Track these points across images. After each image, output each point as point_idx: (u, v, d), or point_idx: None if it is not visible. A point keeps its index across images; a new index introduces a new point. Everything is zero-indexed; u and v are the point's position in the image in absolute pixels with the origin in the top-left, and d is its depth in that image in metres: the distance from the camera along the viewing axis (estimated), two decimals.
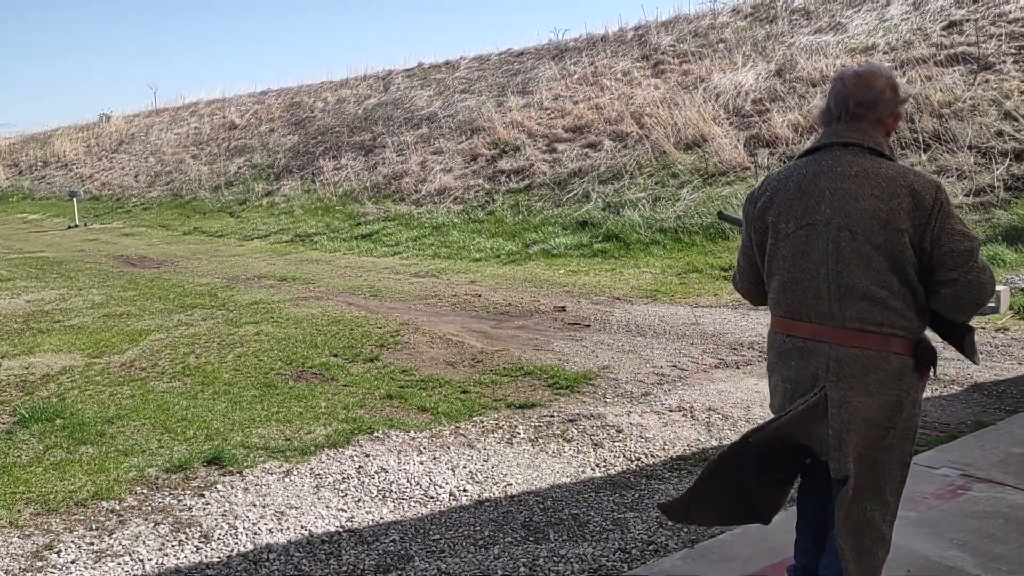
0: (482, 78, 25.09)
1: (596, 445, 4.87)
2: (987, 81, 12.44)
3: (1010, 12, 14.58)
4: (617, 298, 9.10)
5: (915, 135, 11.61)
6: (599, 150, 15.93)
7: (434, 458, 4.71)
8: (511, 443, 4.94)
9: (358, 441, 4.98)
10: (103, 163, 33.68)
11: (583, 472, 4.49)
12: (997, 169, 10.24)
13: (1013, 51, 13.09)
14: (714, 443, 4.82)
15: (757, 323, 7.54)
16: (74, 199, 23.33)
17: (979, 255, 2.36)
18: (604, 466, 4.56)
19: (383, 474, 4.49)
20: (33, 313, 9.47)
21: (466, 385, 6.16)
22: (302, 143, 25.17)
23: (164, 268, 13.51)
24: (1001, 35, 13.83)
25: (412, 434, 5.09)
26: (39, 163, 38.46)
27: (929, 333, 2.50)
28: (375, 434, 5.08)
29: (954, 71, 13.00)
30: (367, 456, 4.76)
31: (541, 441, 4.96)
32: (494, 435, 5.08)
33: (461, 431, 5.16)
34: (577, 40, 25.22)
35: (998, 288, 7.28)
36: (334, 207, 18.24)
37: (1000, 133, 10.94)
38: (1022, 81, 11.99)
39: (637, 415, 5.34)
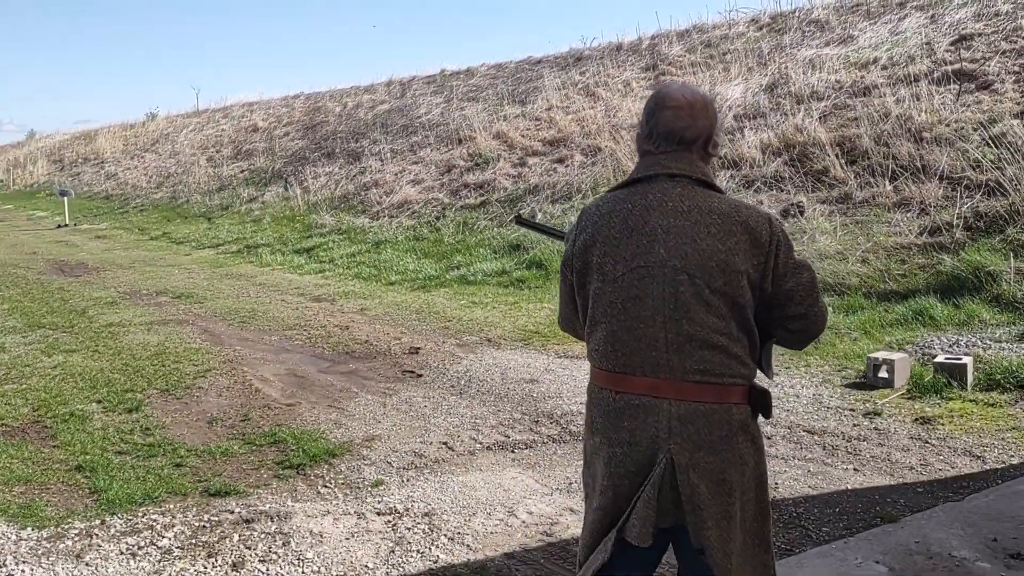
0: (492, 86, 24.06)
1: (234, 566, 3.73)
2: (979, 102, 10.82)
3: None
4: (488, 339, 7.89)
5: (887, 161, 10.10)
6: (567, 165, 14.68)
7: None
8: (135, 555, 3.83)
9: None
10: (132, 162, 33.67)
11: None
12: (964, 204, 8.70)
13: (1016, 69, 11.42)
14: (381, 572, 3.63)
15: None
16: (65, 198, 23.00)
17: (817, 282, 2.25)
18: None
19: None
20: None
21: (191, 456, 5.08)
22: (304, 148, 24.51)
23: (86, 277, 12.74)
24: (1010, 51, 12.15)
25: (26, 533, 4.02)
26: (80, 160, 38.89)
27: None
28: None
29: (946, 90, 11.40)
30: None
31: (176, 553, 3.84)
32: (129, 540, 3.97)
33: (97, 530, 4.07)
34: (595, 49, 24.01)
35: (894, 356, 5.85)
36: (299, 216, 17.36)
37: (978, 163, 9.36)
38: (1016, 103, 10.34)
39: (332, 518, 4.18)
